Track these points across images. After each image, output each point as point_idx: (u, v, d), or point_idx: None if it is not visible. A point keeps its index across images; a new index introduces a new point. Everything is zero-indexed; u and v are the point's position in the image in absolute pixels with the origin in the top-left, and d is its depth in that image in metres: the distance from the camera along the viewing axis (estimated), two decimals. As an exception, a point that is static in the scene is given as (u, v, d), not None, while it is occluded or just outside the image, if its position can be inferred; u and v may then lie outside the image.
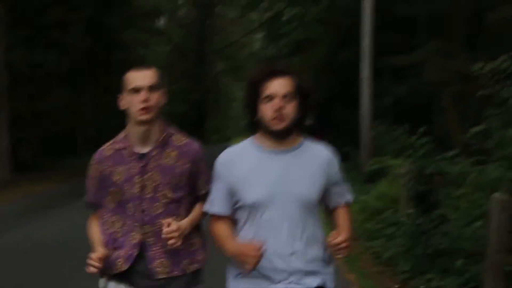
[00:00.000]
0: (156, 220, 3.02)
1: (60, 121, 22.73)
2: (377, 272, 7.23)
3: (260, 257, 2.72)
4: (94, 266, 2.93)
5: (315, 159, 2.95)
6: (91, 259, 2.94)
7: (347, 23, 18.49)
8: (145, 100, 2.95)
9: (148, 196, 3.03)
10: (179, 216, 3.05)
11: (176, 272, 3.08)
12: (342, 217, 3.06)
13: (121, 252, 3.07)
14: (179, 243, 2.95)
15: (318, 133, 18.32)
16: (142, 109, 2.96)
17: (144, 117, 2.98)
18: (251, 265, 2.73)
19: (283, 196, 2.84)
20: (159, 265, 3.05)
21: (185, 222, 3.06)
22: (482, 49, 13.91)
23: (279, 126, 2.84)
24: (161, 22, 40.29)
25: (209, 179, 3.10)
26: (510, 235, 5.09)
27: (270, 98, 2.83)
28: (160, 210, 3.04)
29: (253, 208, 2.87)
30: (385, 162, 11.21)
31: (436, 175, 6.61)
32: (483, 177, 7.26)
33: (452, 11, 15.75)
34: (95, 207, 3.21)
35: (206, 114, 46.21)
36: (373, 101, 15.39)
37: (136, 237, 3.04)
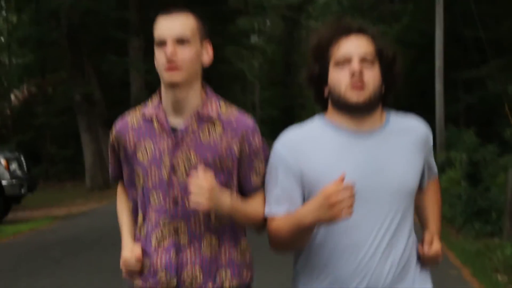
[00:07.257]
0: (191, 214, 2.26)
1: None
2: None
3: (352, 195, 1.95)
4: (131, 271, 2.33)
5: (410, 137, 2.27)
6: (125, 262, 2.33)
7: (423, 42, 21.82)
8: (171, 55, 2.21)
9: (181, 181, 2.27)
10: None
11: (209, 286, 2.31)
12: (432, 203, 2.42)
13: (153, 259, 2.31)
14: (202, 206, 2.12)
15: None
16: (168, 67, 2.23)
17: (171, 77, 2.23)
18: (347, 209, 1.94)
19: (376, 190, 2.17)
20: (188, 275, 2.30)
21: (227, 195, 2.23)
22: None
23: (358, 97, 2.13)
24: (254, 38, 44.75)
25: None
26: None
27: (344, 61, 2.16)
28: None
29: None
30: (451, 155, 14.80)
31: (480, 162, 10.30)
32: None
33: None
34: (121, 180, 2.53)
35: (294, 118, 50.30)
36: (446, 108, 18.77)
37: (165, 236, 2.30)
